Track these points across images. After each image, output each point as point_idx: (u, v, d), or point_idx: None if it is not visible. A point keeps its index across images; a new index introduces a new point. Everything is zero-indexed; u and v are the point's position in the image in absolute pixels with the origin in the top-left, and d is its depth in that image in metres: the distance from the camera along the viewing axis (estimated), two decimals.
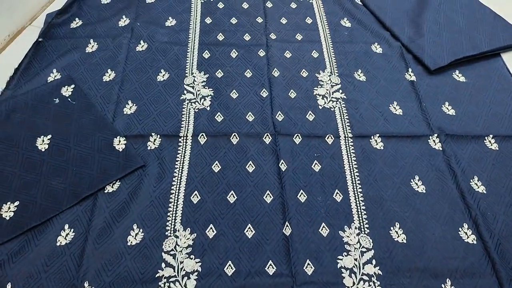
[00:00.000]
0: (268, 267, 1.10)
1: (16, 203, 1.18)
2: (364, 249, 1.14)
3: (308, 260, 1.12)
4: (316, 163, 1.31)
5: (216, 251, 1.13)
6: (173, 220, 1.18)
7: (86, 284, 1.04)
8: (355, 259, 1.12)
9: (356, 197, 1.25)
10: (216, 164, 1.30)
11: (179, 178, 1.26)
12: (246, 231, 1.17)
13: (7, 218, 1.15)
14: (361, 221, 1.20)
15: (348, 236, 1.17)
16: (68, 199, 1.19)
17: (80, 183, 1.22)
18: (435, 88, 1.56)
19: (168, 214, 1.19)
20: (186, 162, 1.30)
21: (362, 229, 1.18)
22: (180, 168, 1.28)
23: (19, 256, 1.09)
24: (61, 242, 1.12)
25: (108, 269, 1.08)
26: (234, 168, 1.29)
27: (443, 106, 1.50)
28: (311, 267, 1.10)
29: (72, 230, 1.15)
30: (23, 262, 1.08)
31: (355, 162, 1.32)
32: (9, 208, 1.17)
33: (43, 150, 1.28)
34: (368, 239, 1.16)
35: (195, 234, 1.16)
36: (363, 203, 1.23)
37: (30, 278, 1.06)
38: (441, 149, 1.36)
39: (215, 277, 1.08)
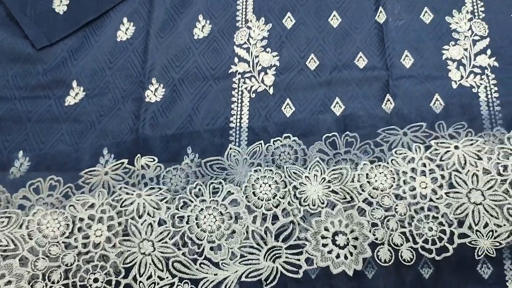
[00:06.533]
0: (358, 60, 0.93)
1: None
2: (477, 37, 0.93)
3: (406, 51, 0.93)
4: None
5: (296, 42, 0.96)
6: (244, 9, 1.00)
7: (154, 81, 0.95)
8: (465, 49, 0.92)
9: None
10: None
11: None
12: (331, 20, 0.98)
13: (61, 12, 1.03)
14: (474, 4, 0.96)
15: (457, 23, 0.95)
16: None
17: None
18: None
19: (238, 2, 1.01)
20: None
21: (476, 14, 0.95)
22: None
23: (80, 53, 1.00)
24: (121, 38, 1.01)
25: (175, 65, 0.97)
26: None
27: None
28: (410, 59, 0.92)
29: (132, 24, 1.02)
30: (85, 59, 0.99)
31: None
32: (61, 1, 1.05)
33: None
34: (483, 25, 0.94)
35: (271, 25, 0.98)
36: None
37: (95, 75, 0.97)
38: None
39: (296, 71, 0.94)
